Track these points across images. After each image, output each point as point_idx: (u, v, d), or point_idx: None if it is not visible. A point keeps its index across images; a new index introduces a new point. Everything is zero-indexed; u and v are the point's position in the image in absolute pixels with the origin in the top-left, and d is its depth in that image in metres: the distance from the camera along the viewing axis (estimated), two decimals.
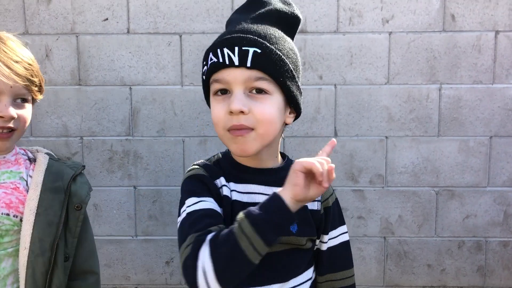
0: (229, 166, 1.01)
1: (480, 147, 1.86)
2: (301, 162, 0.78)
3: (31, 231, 1.09)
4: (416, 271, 1.92)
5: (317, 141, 1.86)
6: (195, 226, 0.86)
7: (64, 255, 1.15)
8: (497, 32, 1.81)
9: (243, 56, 0.89)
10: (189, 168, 1.02)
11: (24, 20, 1.82)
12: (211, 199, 0.92)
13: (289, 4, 1.03)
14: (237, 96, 0.90)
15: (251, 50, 0.89)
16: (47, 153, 1.23)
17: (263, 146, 0.95)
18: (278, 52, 0.92)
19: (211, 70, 0.94)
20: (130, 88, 1.85)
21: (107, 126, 1.86)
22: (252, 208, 0.80)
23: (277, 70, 0.92)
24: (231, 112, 0.89)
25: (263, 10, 0.99)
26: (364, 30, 1.82)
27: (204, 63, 0.97)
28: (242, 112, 0.89)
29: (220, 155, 1.05)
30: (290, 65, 0.95)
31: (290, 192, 0.78)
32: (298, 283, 0.99)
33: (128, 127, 1.87)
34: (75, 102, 1.86)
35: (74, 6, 1.82)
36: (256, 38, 0.91)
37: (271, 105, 0.92)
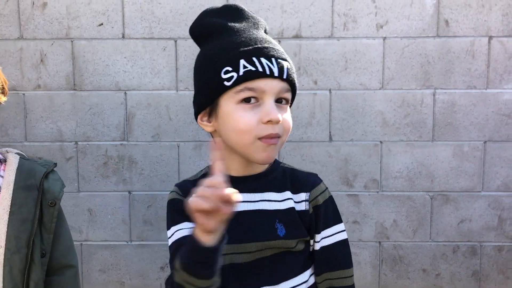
0: None
1: (474, 152, 1.86)
2: (190, 204, 0.77)
3: (6, 229, 1.10)
4: (411, 275, 1.92)
5: (312, 146, 1.87)
6: (171, 262, 0.93)
7: (40, 251, 1.16)
8: (490, 38, 1.82)
9: (280, 67, 0.93)
10: (170, 190, 1.05)
11: (19, 25, 1.82)
12: (186, 224, 0.96)
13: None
14: (273, 105, 0.92)
15: (285, 63, 0.94)
16: (17, 153, 1.23)
17: None
18: (294, 67, 0.99)
19: (244, 77, 0.91)
20: (125, 93, 1.85)
21: (102, 131, 1.86)
22: (183, 252, 0.83)
23: (296, 85, 0.98)
24: (269, 121, 0.91)
25: (253, 20, 1.00)
26: (358, 35, 1.83)
27: (230, 69, 0.92)
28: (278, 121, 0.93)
29: (208, 169, 1.05)
30: None
31: (198, 231, 0.79)
32: (290, 287, 0.99)
33: (123, 132, 1.86)
34: (70, 107, 1.85)
35: (69, 11, 1.82)
36: (283, 51, 0.97)
37: (290, 115, 0.98)
